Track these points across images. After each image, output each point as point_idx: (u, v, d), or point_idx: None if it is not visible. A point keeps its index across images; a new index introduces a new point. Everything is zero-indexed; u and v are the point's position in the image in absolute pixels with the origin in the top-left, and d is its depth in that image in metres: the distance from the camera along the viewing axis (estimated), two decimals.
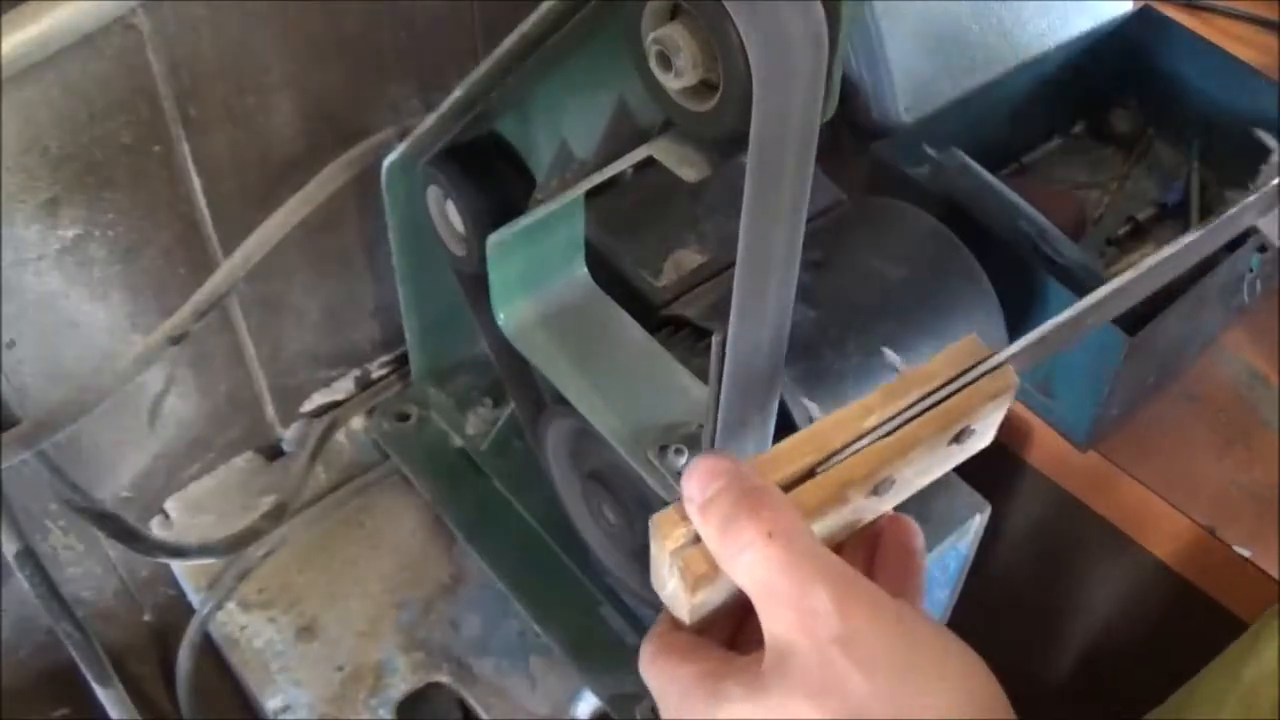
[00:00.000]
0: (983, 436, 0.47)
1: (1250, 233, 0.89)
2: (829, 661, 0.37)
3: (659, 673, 0.42)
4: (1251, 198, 0.56)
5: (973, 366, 0.45)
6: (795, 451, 0.43)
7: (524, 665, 0.80)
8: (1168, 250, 0.53)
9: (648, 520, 0.42)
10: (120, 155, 0.68)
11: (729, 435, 0.56)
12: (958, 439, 0.45)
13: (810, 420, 0.64)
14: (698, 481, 0.40)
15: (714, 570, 0.41)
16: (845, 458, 0.43)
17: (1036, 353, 0.48)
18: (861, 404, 0.44)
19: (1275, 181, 0.57)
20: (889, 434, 0.44)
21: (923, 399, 0.44)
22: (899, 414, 0.44)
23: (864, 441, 0.43)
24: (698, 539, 0.41)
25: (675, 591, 0.42)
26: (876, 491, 0.44)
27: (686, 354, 0.68)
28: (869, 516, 0.46)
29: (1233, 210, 0.55)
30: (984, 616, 1.03)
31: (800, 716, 0.37)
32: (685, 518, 0.41)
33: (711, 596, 0.42)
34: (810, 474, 0.43)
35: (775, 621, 0.38)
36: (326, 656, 0.80)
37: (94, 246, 0.70)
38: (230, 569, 0.82)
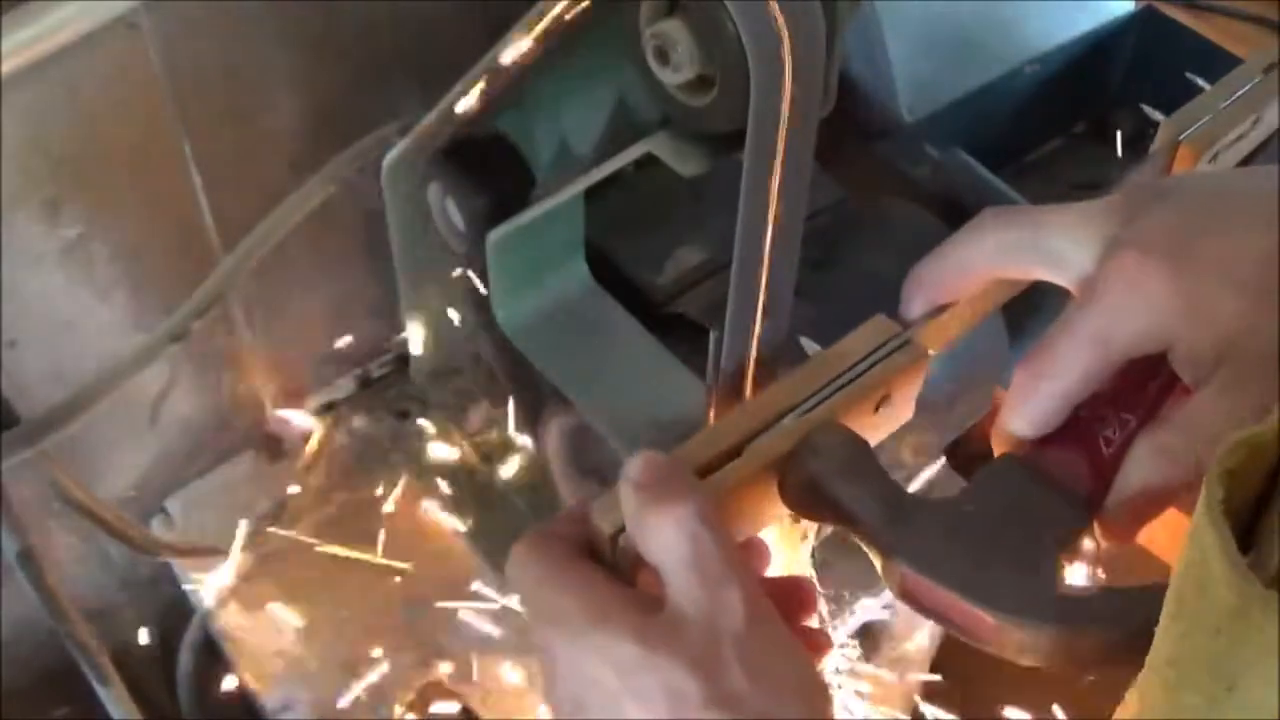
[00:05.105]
0: (901, 407, 0.49)
1: None
2: (721, 651, 0.39)
3: (544, 577, 0.42)
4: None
5: (885, 342, 0.48)
6: (723, 432, 0.45)
7: (524, 665, 0.79)
8: None
9: None
10: (121, 155, 0.68)
11: None
12: (877, 409, 0.48)
13: None
14: (642, 463, 0.42)
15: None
16: (771, 435, 0.45)
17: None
18: (783, 383, 0.47)
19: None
20: (811, 409, 0.46)
21: (840, 375, 0.47)
22: (819, 390, 0.46)
23: (788, 419, 0.46)
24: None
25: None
26: None
27: (687, 352, 0.68)
28: None
29: None
30: None
31: (678, 679, 0.39)
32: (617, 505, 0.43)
33: None
34: (738, 452, 0.45)
35: (685, 594, 0.40)
36: (326, 656, 0.80)
37: (95, 246, 0.70)
38: (231, 568, 0.82)
